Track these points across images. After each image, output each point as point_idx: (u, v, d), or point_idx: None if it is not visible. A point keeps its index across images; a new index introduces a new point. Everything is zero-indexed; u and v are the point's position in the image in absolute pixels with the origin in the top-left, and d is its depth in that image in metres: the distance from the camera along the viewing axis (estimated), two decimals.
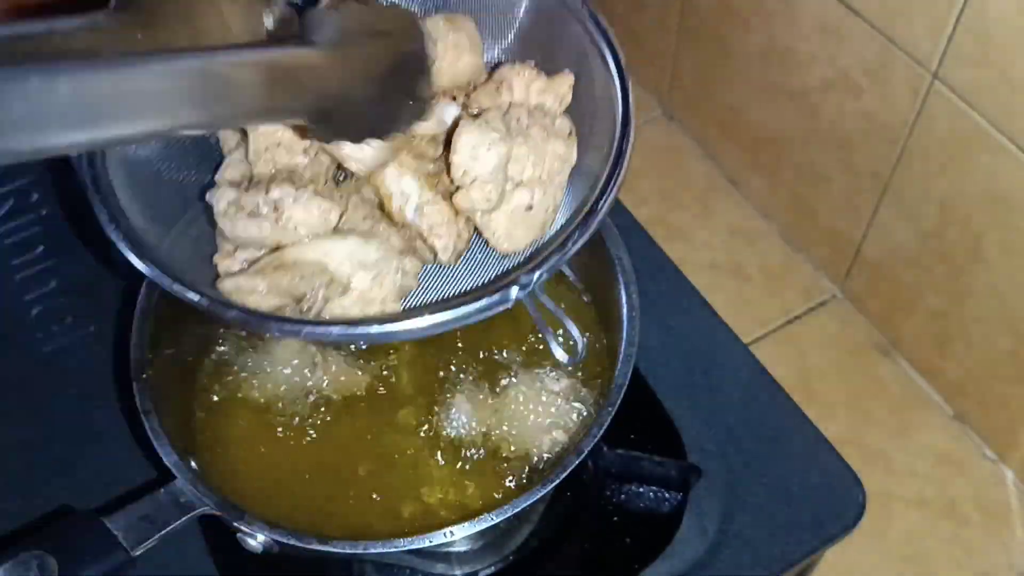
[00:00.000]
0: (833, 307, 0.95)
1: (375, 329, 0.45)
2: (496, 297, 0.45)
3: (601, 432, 0.53)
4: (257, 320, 0.46)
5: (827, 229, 0.93)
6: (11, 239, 0.76)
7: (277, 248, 0.49)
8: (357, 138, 0.46)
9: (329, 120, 0.43)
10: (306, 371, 0.64)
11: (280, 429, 0.61)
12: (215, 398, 0.62)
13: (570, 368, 0.48)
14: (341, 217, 0.50)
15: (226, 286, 0.48)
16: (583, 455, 0.52)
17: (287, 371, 0.64)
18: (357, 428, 0.62)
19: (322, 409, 0.62)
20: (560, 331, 0.48)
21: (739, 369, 0.69)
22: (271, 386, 0.63)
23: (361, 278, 0.48)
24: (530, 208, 0.51)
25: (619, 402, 0.54)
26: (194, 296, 0.46)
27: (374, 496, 0.59)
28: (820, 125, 0.87)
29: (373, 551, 0.51)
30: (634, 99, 0.50)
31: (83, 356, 0.71)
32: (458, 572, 0.61)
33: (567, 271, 0.67)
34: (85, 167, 0.49)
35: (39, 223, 0.77)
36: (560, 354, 0.45)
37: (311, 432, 0.61)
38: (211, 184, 0.52)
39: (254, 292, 0.48)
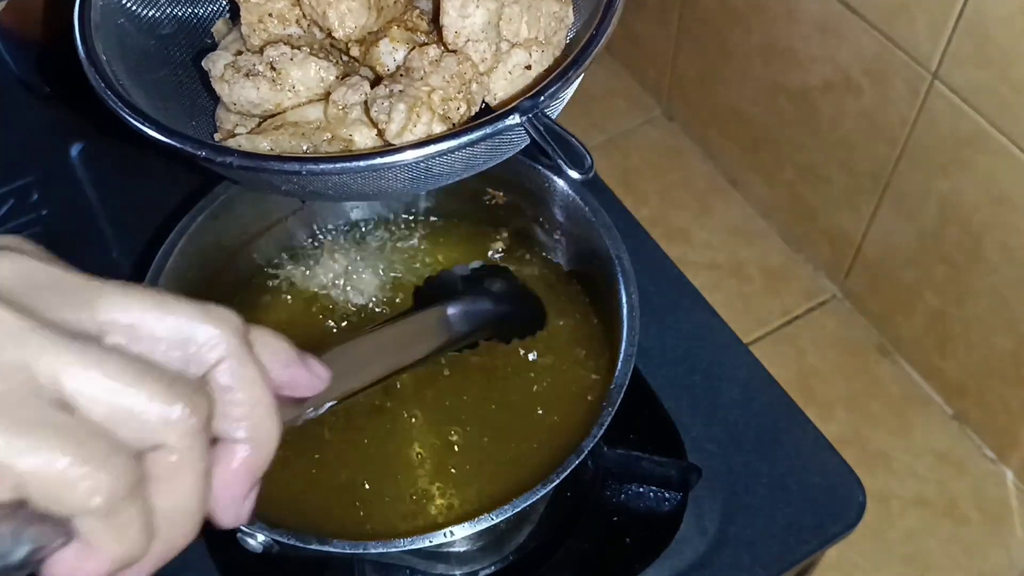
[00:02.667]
0: (833, 307, 0.95)
1: (377, 160, 0.43)
2: (500, 122, 0.44)
3: (601, 432, 0.53)
4: (256, 161, 0.44)
5: (827, 229, 0.93)
6: None
7: (277, 113, 0.49)
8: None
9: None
10: None
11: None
12: None
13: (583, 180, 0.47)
14: (340, 78, 0.49)
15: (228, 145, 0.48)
16: (583, 455, 0.52)
17: None
18: (358, 427, 0.62)
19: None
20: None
21: (739, 369, 0.69)
22: None
23: (364, 133, 0.47)
24: (528, 68, 0.50)
25: (619, 402, 0.54)
26: (194, 147, 0.44)
27: (375, 495, 0.59)
28: (820, 125, 0.87)
29: (373, 551, 0.51)
30: None
31: None
32: (458, 572, 0.61)
33: (564, 266, 0.67)
34: (80, 47, 0.48)
35: (39, 223, 0.77)
36: (572, 172, 0.43)
37: (312, 431, 0.61)
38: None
39: (257, 151, 0.47)
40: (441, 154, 0.44)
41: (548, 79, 0.46)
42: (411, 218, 0.71)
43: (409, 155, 0.44)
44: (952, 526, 0.82)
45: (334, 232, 0.71)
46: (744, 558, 0.61)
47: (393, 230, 0.71)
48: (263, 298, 0.67)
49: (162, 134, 0.45)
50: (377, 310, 0.67)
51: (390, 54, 0.50)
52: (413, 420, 0.62)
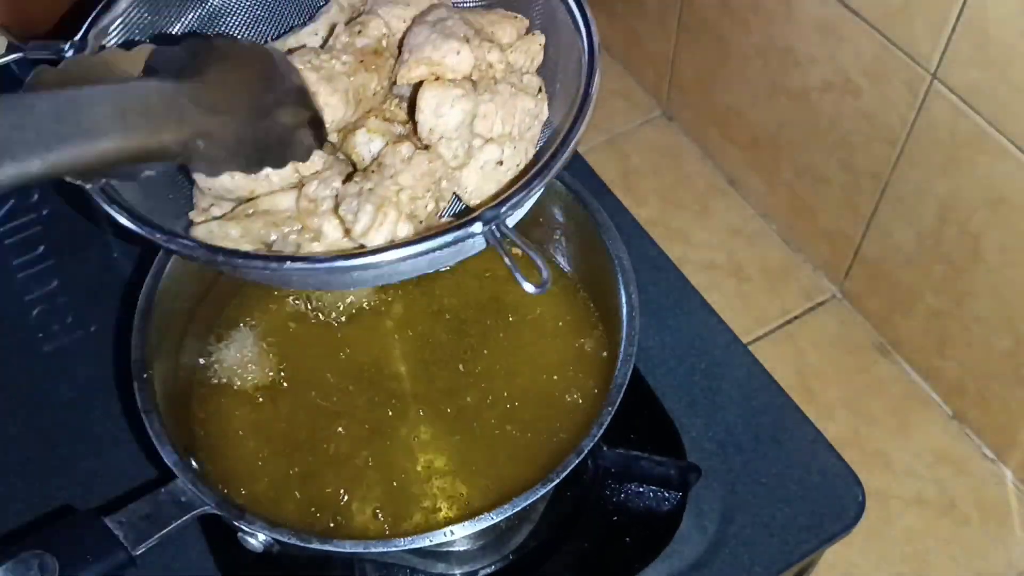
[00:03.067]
0: (832, 307, 0.95)
1: (339, 263, 0.44)
2: (461, 231, 0.44)
3: (601, 432, 0.53)
4: (223, 257, 0.45)
5: (827, 229, 0.93)
6: (11, 239, 0.76)
7: (250, 199, 0.49)
8: (246, 169, 0.47)
9: (200, 153, 0.43)
10: (308, 369, 0.64)
11: (281, 428, 0.61)
12: (215, 398, 0.62)
13: (538, 295, 0.47)
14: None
15: (199, 232, 0.48)
16: (583, 455, 0.52)
17: (287, 370, 0.64)
18: (358, 427, 0.62)
19: (324, 407, 0.62)
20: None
21: (739, 369, 0.69)
22: (271, 385, 0.63)
23: (333, 224, 0.48)
24: (500, 163, 0.51)
25: (619, 402, 0.54)
26: (160, 236, 0.45)
27: (375, 495, 0.59)
28: (820, 125, 0.87)
29: (373, 550, 0.51)
30: (599, 50, 0.50)
31: (83, 356, 0.71)
32: (458, 572, 0.62)
33: (564, 266, 0.67)
34: None
35: (39, 223, 0.77)
36: (526, 285, 0.44)
37: (312, 431, 0.62)
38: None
39: (227, 238, 0.48)
40: (402, 260, 0.45)
41: (511, 190, 0.47)
42: None
43: (370, 259, 0.45)
44: (951, 526, 0.82)
45: None
46: (743, 557, 0.61)
47: None
48: (263, 298, 0.67)
49: (134, 224, 0.46)
50: (378, 310, 0.68)
51: (366, 144, 0.51)
52: (413, 419, 0.62)
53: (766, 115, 0.93)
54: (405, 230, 0.47)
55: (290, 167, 0.49)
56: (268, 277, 0.49)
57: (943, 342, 0.85)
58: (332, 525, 0.58)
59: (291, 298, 0.67)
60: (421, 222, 0.48)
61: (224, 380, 0.63)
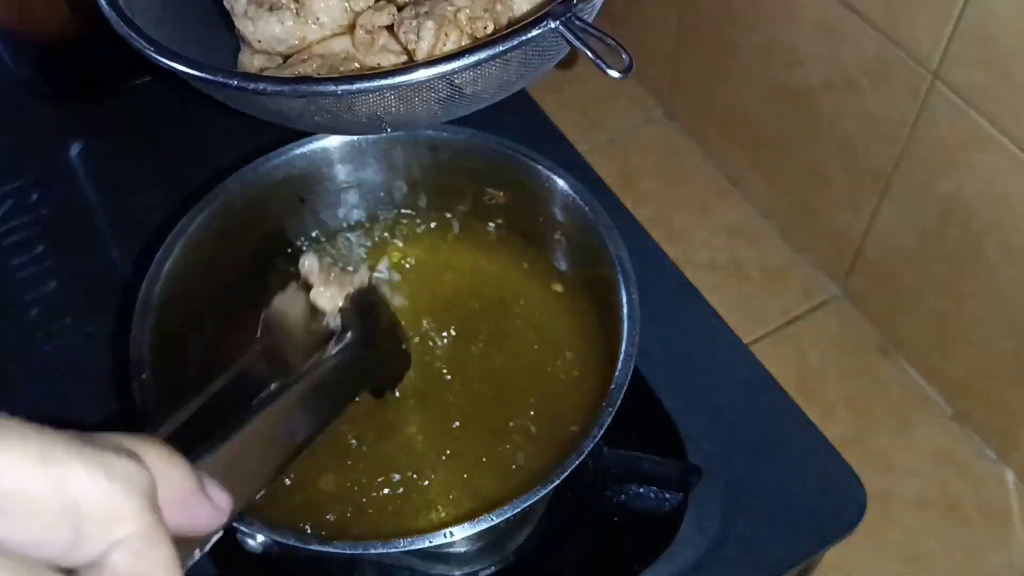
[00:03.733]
0: (833, 307, 0.95)
1: (414, 75, 0.42)
2: (536, 28, 0.43)
3: (601, 432, 0.53)
4: (289, 86, 0.43)
5: (827, 229, 0.93)
6: (11, 239, 0.76)
7: (302, 48, 0.48)
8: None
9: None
10: None
11: None
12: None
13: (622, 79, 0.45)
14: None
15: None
16: (583, 455, 0.52)
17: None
18: (358, 428, 0.62)
19: None
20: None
21: (739, 369, 0.69)
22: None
23: (391, 61, 0.47)
24: None
25: (619, 402, 0.54)
26: (225, 77, 0.43)
27: (375, 496, 0.59)
28: (820, 125, 0.87)
29: (373, 552, 0.51)
30: None
31: (83, 356, 0.71)
32: (458, 573, 0.61)
33: (564, 266, 0.67)
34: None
35: (39, 223, 0.77)
36: (611, 71, 0.43)
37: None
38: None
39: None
40: (475, 65, 0.42)
41: None
42: (412, 217, 0.71)
43: (442, 68, 0.42)
44: (953, 526, 0.82)
45: (333, 231, 0.71)
46: (744, 558, 0.61)
47: (393, 230, 0.71)
48: (263, 299, 0.67)
49: (194, 68, 0.45)
50: None
51: None
52: (412, 421, 0.62)
53: (767, 115, 0.93)
54: None
55: (340, 5, 0.47)
56: (341, 103, 0.46)
57: (945, 342, 0.85)
58: (332, 526, 0.58)
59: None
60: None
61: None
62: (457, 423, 0.62)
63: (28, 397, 0.69)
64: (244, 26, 0.48)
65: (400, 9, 0.48)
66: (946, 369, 0.86)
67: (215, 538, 0.34)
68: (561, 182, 0.63)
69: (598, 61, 0.43)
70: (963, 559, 0.81)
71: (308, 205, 0.68)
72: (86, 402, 0.68)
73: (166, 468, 0.27)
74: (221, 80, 0.44)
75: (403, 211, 0.70)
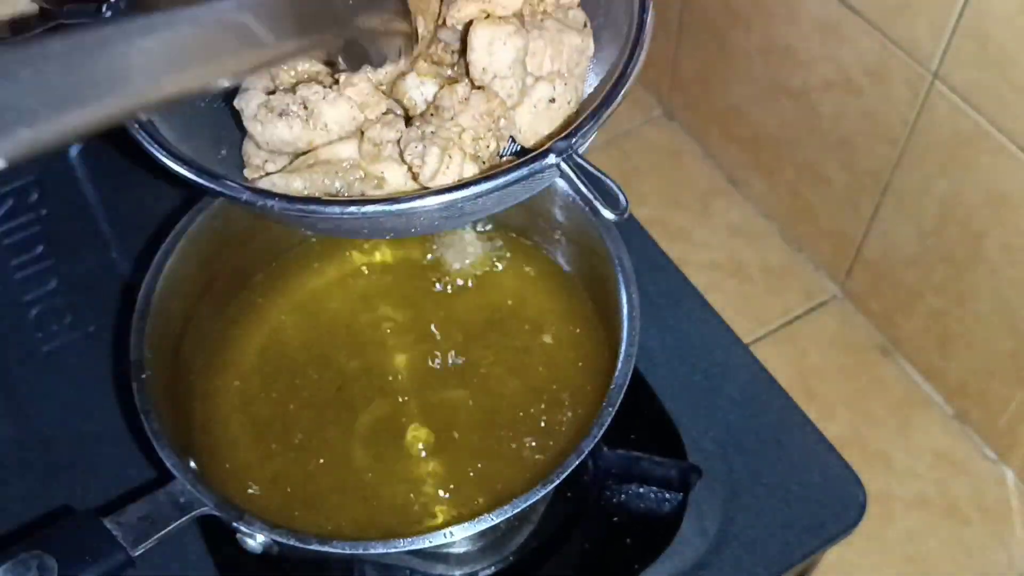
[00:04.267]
0: (833, 307, 0.95)
1: (417, 203, 0.44)
2: (536, 163, 0.45)
3: (601, 432, 0.53)
4: (297, 205, 0.45)
5: (827, 229, 0.93)
6: (11, 239, 0.76)
7: (306, 153, 0.49)
8: (355, 66, 0.49)
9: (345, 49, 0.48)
10: (308, 369, 0.64)
11: (280, 429, 0.61)
12: (215, 398, 0.62)
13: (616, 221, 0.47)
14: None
15: (262, 186, 0.48)
16: (583, 455, 0.52)
17: (287, 370, 0.64)
18: (358, 428, 0.62)
19: (323, 408, 0.62)
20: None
21: (739, 369, 0.69)
22: (271, 386, 0.63)
23: (395, 171, 0.48)
24: (552, 101, 0.51)
25: (619, 402, 0.54)
26: (237, 189, 0.45)
27: (375, 496, 0.59)
28: (820, 125, 0.87)
29: (373, 551, 0.51)
30: None
31: (83, 356, 0.71)
32: (457, 573, 0.61)
33: (564, 267, 0.67)
34: None
35: (39, 223, 0.76)
36: (606, 212, 0.45)
37: (312, 431, 0.61)
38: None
39: (290, 191, 0.48)
40: (479, 195, 0.45)
41: (581, 119, 0.48)
42: None
43: (447, 198, 0.45)
44: (953, 526, 0.82)
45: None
46: (744, 558, 0.61)
47: None
48: (262, 299, 0.67)
49: (200, 177, 0.46)
50: (377, 310, 0.67)
51: (417, 88, 0.50)
52: (412, 420, 0.62)
53: (767, 115, 0.93)
54: (471, 171, 0.47)
55: (349, 114, 0.49)
56: (344, 223, 0.48)
57: (944, 342, 0.85)
58: (331, 526, 0.58)
59: (291, 300, 0.67)
60: (484, 163, 0.48)
61: (224, 380, 0.63)
62: (458, 423, 0.62)
63: (28, 397, 0.69)
64: (253, 128, 0.50)
65: (408, 122, 0.50)
66: (946, 369, 0.86)
67: None
68: (561, 182, 0.63)
69: (595, 200, 0.45)
70: (963, 559, 0.81)
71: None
72: (86, 402, 0.68)
73: None
74: (229, 194, 0.46)
75: None
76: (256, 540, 0.52)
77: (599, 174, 0.46)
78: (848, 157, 0.86)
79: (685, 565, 0.61)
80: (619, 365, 0.56)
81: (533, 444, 0.61)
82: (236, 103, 0.50)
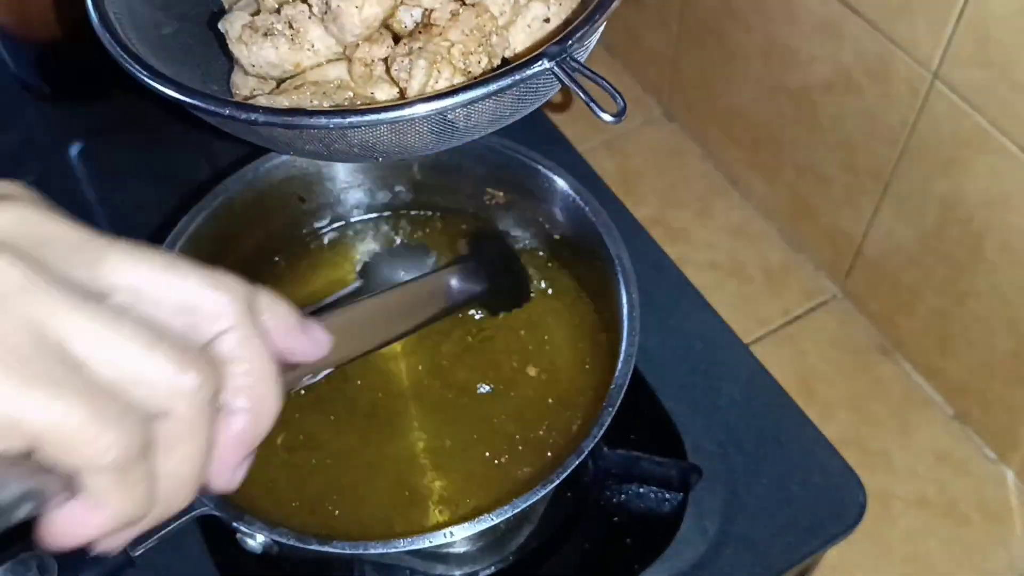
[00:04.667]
0: (833, 307, 0.95)
1: (404, 111, 0.42)
2: (530, 68, 0.43)
3: (601, 432, 0.53)
4: (280, 117, 0.43)
5: (827, 229, 0.93)
6: None
7: (296, 74, 0.47)
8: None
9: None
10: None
11: (280, 429, 0.61)
12: None
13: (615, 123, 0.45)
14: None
15: None
16: (583, 455, 0.52)
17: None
18: (358, 427, 0.62)
19: (324, 408, 0.62)
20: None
21: (739, 369, 0.69)
22: None
23: (385, 91, 0.46)
24: (547, 21, 0.50)
25: (619, 402, 0.54)
26: (217, 106, 0.43)
27: (375, 496, 0.59)
28: (821, 125, 0.87)
29: (373, 551, 0.51)
30: None
31: None
32: (457, 573, 0.61)
33: (566, 266, 0.67)
34: (94, 13, 0.47)
35: None
36: (604, 115, 0.43)
37: (311, 431, 0.61)
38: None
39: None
40: (468, 103, 0.43)
41: (575, 23, 0.46)
42: (413, 217, 0.71)
43: (435, 105, 0.42)
44: (953, 526, 0.82)
45: (333, 232, 0.71)
46: (744, 558, 0.61)
47: (394, 230, 0.71)
48: None
49: (184, 94, 0.45)
50: None
51: (408, 12, 0.49)
52: (413, 420, 0.62)
53: (767, 114, 0.93)
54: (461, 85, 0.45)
55: (333, 38, 0.47)
56: (331, 139, 0.46)
57: (945, 342, 0.85)
58: (331, 526, 0.58)
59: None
60: (476, 78, 0.47)
61: None
62: (458, 423, 0.62)
63: None
64: (238, 50, 0.48)
65: (396, 41, 0.48)
66: (946, 369, 0.86)
67: (322, 374, 0.40)
68: (561, 182, 0.63)
69: (591, 103, 0.43)
70: (963, 559, 0.81)
71: (308, 205, 0.68)
72: None
73: (273, 303, 0.32)
74: (212, 108, 0.44)
75: (403, 212, 0.70)
76: (256, 540, 0.52)
77: (596, 76, 0.44)
78: (848, 157, 0.86)
79: (685, 565, 0.61)
80: (619, 365, 0.56)
81: (533, 444, 0.61)
82: (220, 25, 0.48)
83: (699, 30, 0.97)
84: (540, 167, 0.64)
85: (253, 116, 0.43)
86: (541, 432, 0.61)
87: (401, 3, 0.49)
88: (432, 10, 0.48)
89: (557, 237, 0.66)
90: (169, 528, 0.50)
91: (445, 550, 0.58)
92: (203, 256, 0.62)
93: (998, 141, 0.70)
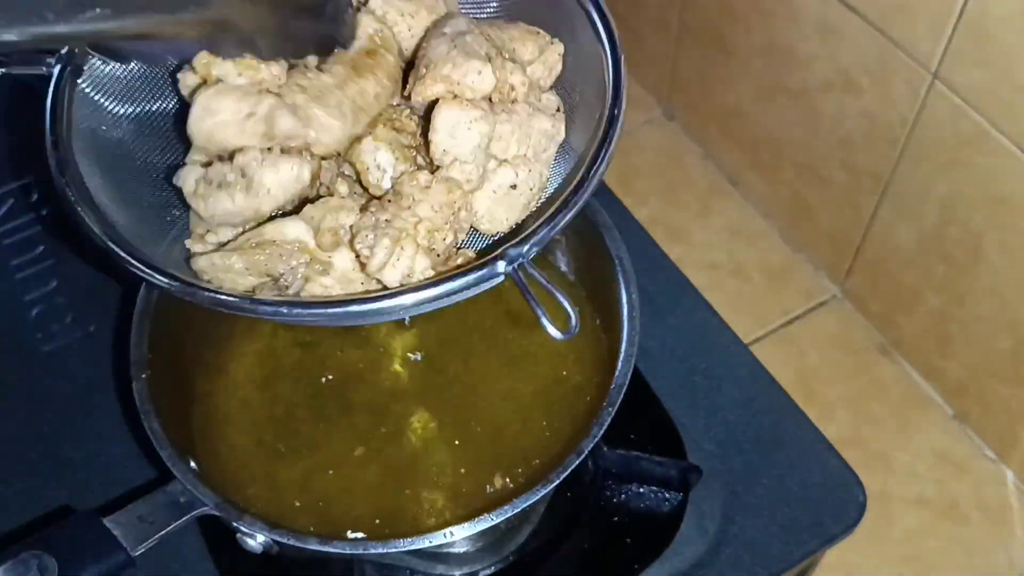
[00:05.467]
0: (833, 307, 0.95)
1: (355, 308, 0.43)
2: (484, 271, 0.43)
3: (601, 432, 0.53)
4: (230, 301, 0.44)
5: (827, 229, 0.93)
6: (11, 239, 0.76)
7: (255, 227, 0.47)
8: (265, 56, 0.47)
9: (228, 32, 0.46)
10: (308, 369, 0.64)
11: (280, 429, 0.61)
12: (215, 397, 0.62)
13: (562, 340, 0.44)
14: (315, 181, 0.47)
15: (200, 264, 0.46)
16: (583, 455, 0.52)
17: (287, 370, 0.64)
18: (358, 428, 0.62)
19: (324, 408, 0.62)
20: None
21: (739, 369, 0.69)
22: (271, 386, 0.63)
23: (344, 256, 0.46)
24: (514, 187, 0.49)
25: (619, 402, 0.54)
26: (162, 279, 0.44)
27: (375, 495, 0.59)
28: (820, 125, 0.87)
29: (373, 551, 0.51)
30: (625, 69, 0.48)
31: (83, 356, 0.71)
32: (457, 573, 0.61)
33: (564, 267, 0.67)
34: (51, 149, 0.47)
35: (39, 223, 0.77)
36: (552, 330, 0.42)
37: (312, 431, 0.61)
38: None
39: (230, 270, 0.46)
40: (420, 304, 0.43)
41: (536, 225, 0.45)
42: None
43: (392, 302, 0.43)
44: (952, 526, 0.82)
45: None
46: (744, 558, 0.61)
47: None
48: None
49: (129, 264, 0.45)
50: None
51: (372, 154, 0.48)
52: (411, 421, 0.62)
53: (767, 115, 0.93)
54: (422, 264, 0.45)
55: (290, 176, 0.46)
56: (279, 319, 0.48)
57: (944, 342, 0.85)
58: (331, 526, 0.58)
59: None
60: (439, 255, 0.47)
61: (224, 380, 0.63)
62: (458, 423, 0.62)
63: (28, 397, 0.69)
64: (196, 204, 0.47)
65: (363, 209, 0.48)
66: (945, 369, 0.86)
67: None
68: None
69: (542, 318, 0.42)
70: (962, 558, 0.81)
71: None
72: (86, 402, 0.68)
73: None
74: (162, 284, 0.45)
75: None
76: (256, 540, 0.52)
77: (549, 287, 0.43)
78: (848, 157, 0.86)
79: (685, 565, 0.61)
80: (619, 365, 0.56)
81: (533, 444, 0.61)
82: (175, 180, 0.48)
83: (699, 30, 0.97)
84: None
85: (201, 296, 0.44)
86: (541, 432, 0.61)
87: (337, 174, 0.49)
88: (404, 173, 0.48)
89: (557, 237, 0.66)
90: (169, 528, 0.50)
91: (445, 550, 0.58)
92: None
93: (998, 141, 0.70)
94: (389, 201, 0.47)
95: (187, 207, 0.49)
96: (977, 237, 0.76)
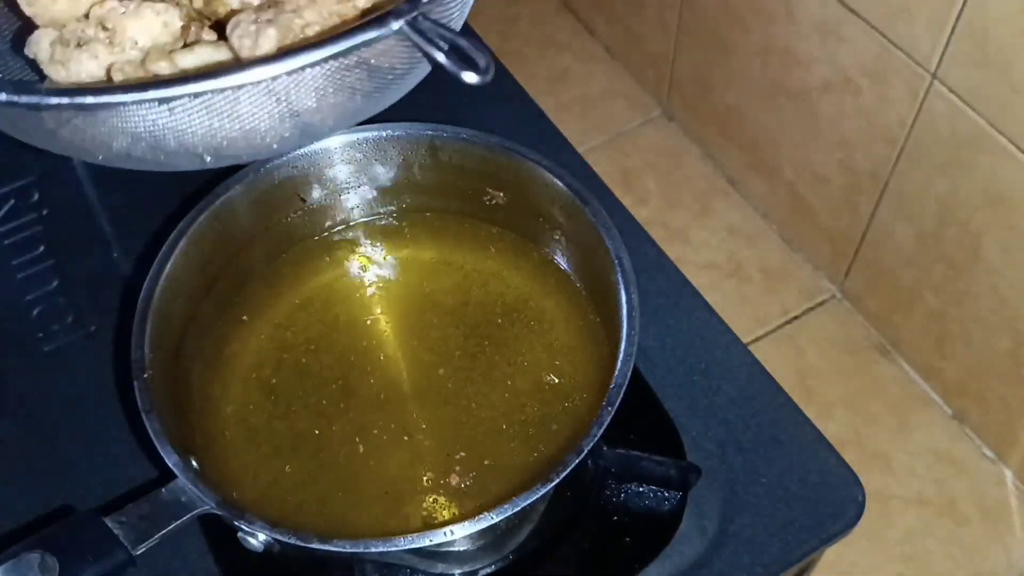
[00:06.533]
0: (832, 307, 0.95)
1: (236, 77, 0.36)
2: (372, 29, 0.37)
3: (601, 432, 0.53)
4: (77, 95, 0.37)
5: (826, 229, 0.93)
6: (11, 239, 0.76)
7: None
8: None
9: None
10: (309, 369, 0.64)
11: (281, 428, 0.61)
12: (216, 397, 0.62)
13: (480, 84, 0.38)
14: (186, 27, 0.42)
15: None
16: (583, 455, 0.52)
17: (288, 370, 0.64)
18: (358, 427, 0.62)
19: (324, 407, 0.62)
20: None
21: (739, 369, 0.69)
22: (271, 385, 0.63)
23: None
24: None
25: (619, 402, 0.54)
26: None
27: (375, 495, 0.59)
28: (820, 125, 0.87)
29: (373, 550, 0.51)
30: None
31: (83, 356, 0.71)
32: (457, 572, 0.61)
33: (566, 266, 0.67)
34: None
35: (39, 223, 0.77)
36: (466, 75, 0.37)
37: (313, 430, 0.62)
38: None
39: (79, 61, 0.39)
40: (304, 67, 0.36)
41: None
42: (414, 218, 0.71)
43: (278, 67, 0.36)
44: (951, 526, 0.82)
45: (333, 232, 0.71)
46: (744, 557, 0.61)
47: (394, 230, 0.71)
48: (264, 298, 0.67)
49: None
50: (378, 310, 0.68)
51: None
52: (413, 421, 0.63)
53: (766, 115, 0.93)
54: None
55: (157, 22, 0.41)
56: (152, 126, 0.40)
57: (943, 342, 0.85)
58: (332, 525, 0.58)
59: (292, 300, 0.67)
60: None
61: (225, 380, 0.63)
62: (458, 423, 0.62)
63: (28, 397, 0.69)
64: (56, 73, 0.41)
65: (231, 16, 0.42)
66: (944, 369, 0.87)
67: None
68: (561, 182, 0.63)
69: (451, 66, 0.37)
70: (962, 558, 0.81)
71: (309, 205, 0.68)
72: (87, 401, 0.68)
73: None
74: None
75: (404, 211, 0.70)
76: (257, 539, 0.52)
77: (451, 36, 0.38)
78: (847, 157, 0.86)
79: (685, 564, 0.61)
80: (619, 365, 0.56)
81: (533, 444, 0.61)
82: (26, 51, 0.42)
83: (698, 31, 0.97)
84: (540, 167, 0.64)
85: (53, 100, 0.36)
86: (540, 431, 0.61)
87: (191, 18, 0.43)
88: None
89: (557, 237, 0.67)
90: (170, 527, 0.50)
91: (445, 549, 0.58)
92: (204, 256, 0.62)
93: (997, 141, 0.70)
94: (268, 6, 0.41)
95: (43, 78, 0.42)
96: (976, 237, 0.76)
